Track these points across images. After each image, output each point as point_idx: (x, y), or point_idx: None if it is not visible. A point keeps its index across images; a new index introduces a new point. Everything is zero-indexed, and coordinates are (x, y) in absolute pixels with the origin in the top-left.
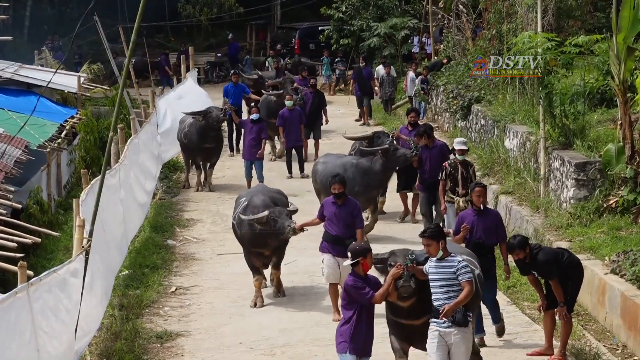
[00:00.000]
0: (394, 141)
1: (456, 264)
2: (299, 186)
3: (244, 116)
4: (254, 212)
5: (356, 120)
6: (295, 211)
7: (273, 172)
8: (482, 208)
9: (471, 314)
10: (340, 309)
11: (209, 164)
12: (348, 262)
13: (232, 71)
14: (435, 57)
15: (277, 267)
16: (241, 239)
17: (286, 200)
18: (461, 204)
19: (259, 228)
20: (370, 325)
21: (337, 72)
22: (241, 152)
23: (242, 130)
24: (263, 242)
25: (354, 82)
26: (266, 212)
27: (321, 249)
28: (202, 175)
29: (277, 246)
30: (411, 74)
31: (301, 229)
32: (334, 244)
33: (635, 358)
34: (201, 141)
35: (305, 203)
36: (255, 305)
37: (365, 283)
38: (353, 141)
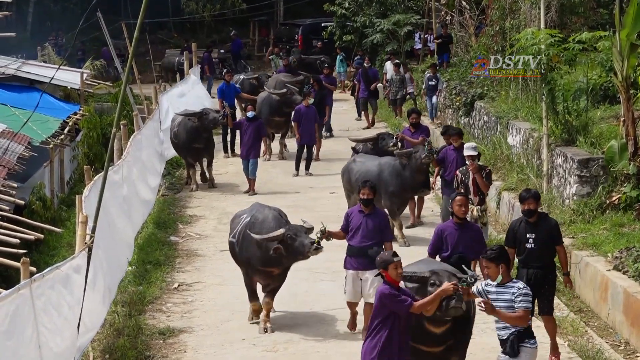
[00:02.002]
0: (399, 142)
1: (516, 290)
2: (302, 183)
3: (239, 114)
4: (263, 228)
5: (358, 120)
6: (311, 229)
7: (277, 169)
8: (463, 219)
9: (531, 341)
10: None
11: (206, 163)
12: (369, 274)
13: (225, 70)
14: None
15: (273, 294)
16: (247, 259)
17: (287, 218)
18: (475, 213)
19: (279, 249)
20: (403, 347)
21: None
22: (236, 152)
23: (238, 131)
24: (277, 260)
25: (359, 83)
26: (282, 230)
27: (345, 266)
28: (197, 174)
29: (288, 266)
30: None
31: (328, 238)
32: (357, 257)
33: (638, 355)
34: (190, 141)
35: (307, 200)
36: (265, 331)
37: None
38: (358, 143)
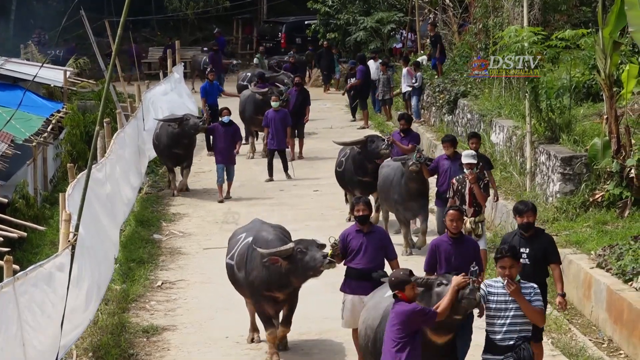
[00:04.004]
0: (389, 147)
1: (531, 290)
2: (286, 181)
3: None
4: (269, 247)
5: (355, 123)
6: (324, 245)
7: (260, 167)
8: (458, 233)
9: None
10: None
11: (183, 167)
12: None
13: (208, 69)
14: (422, 51)
15: (288, 322)
16: (250, 283)
17: (291, 237)
18: (468, 225)
19: (284, 265)
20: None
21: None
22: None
23: (213, 135)
24: (284, 282)
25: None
26: (292, 244)
27: (344, 289)
28: (177, 178)
29: (296, 288)
30: (405, 70)
31: (337, 254)
32: (359, 280)
33: (621, 352)
34: (171, 146)
35: (291, 197)
36: None
37: None
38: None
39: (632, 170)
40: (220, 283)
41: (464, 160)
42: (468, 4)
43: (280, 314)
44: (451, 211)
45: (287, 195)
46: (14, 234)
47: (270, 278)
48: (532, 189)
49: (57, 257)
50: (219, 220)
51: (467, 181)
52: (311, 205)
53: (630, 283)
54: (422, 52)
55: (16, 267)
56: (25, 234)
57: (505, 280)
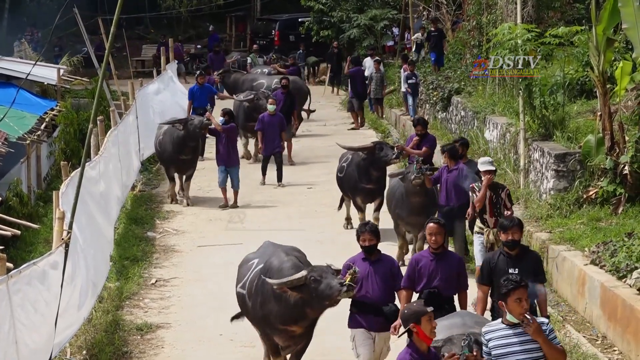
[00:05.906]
0: (399, 155)
1: (545, 326)
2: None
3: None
4: (281, 276)
5: (352, 129)
6: (339, 271)
7: (253, 165)
8: (438, 250)
9: None
10: None
11: (185, 176)
12: (378, 336)
13: (198, 72)
14: (415, 52)
15: (299, 357)
16: (263, 316)
17: (306, 259)
18: (491, 236)
19: (294, 296)
20: None
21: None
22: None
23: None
24: (299, 314)
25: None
26: (304, 272)
27: (351, 325)
28: (177, 187)
29: (314, 319)
30: (403, 71)
31: (356, 282)
32: (367, 314)
33: (615, 348)
34: (177, 152)
35: (285, 195)
36: None
37: None
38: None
39: (626, 167)
40: (214, 281)
41: (481, 167)
42: (462, 1)
43: None
44: (430, 224)
45: (281, 193)
46: (8, 232)
47: (284, 310)
48: (526, 186)
49: (51, 255)
50: (212, 218)
51: (483, 188)
52: (304, 203)
53: (624, 280)
54: (413, 52)
55: (10, 265)
56: (19, 232)
57: (526, 317)
